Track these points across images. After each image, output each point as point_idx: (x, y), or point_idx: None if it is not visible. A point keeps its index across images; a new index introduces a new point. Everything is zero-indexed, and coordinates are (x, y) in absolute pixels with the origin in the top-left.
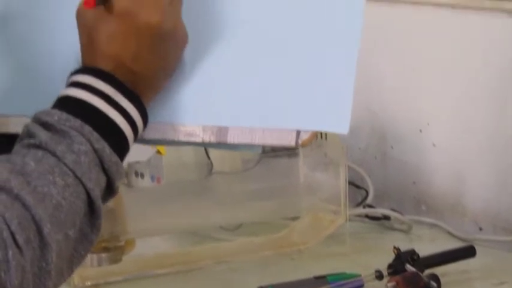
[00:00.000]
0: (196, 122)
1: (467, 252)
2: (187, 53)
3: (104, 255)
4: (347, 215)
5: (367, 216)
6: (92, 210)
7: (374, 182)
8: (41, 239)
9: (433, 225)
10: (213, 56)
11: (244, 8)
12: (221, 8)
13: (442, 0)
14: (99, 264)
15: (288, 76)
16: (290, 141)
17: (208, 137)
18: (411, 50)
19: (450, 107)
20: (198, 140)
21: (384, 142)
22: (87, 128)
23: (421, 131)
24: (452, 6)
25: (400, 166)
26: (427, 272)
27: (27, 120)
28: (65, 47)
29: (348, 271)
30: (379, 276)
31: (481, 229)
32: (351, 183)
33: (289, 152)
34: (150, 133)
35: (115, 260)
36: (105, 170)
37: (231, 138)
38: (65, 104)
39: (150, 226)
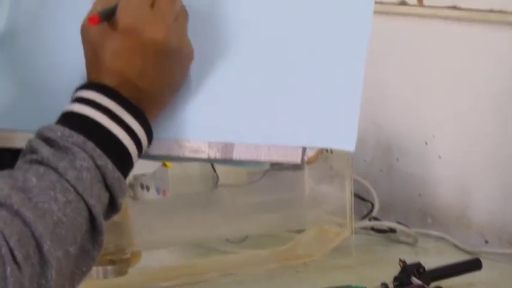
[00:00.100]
0: (201, 138)
1: (473, 265)
2: (193, 69)
3: (109, 267)
4: (353, 228)
5: (372, 228)
6: (93, 227)
7: (380, 195)
8: (41, 256)
9: (438, 238)
10: (218, 72)
11: (249, 24)
12: (227, 24)
13: (447, 14)
14: (105, 276)
15: (293, 93)
16: (296, 158)
17: (214, 154)
18: (417, 62)
19: (455, 120)
20: (204, 156)
21: (390, 154)
22: (90, 144)
23: (426, 143)
24: (458, 19)
25: (406, 178)
26: (433, 284)
27: (33, 136)
28: (71, 62)
29: (354, 284)
30: None
31: (486, 242)
32: (357, 196)
33: (295, 164)
34: (156, 149)
35: (121, 273)
36: (107, 187)
37: (237, 155)
38: (69, 119)
39: (156, 238)
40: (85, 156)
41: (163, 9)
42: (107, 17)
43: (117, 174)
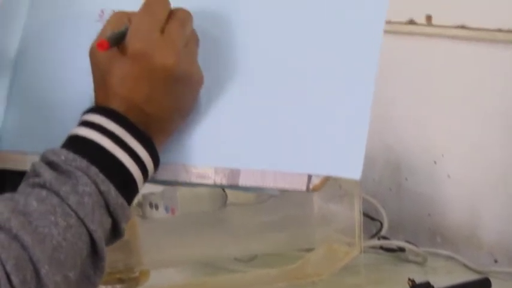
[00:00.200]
0: (208, 163)
1: (483, 284)
2: (202, 93)
3: (118, 286)
4: (362, 247)
5: (381, 247)
6: (94, 252)
7: (389, 214)
8: (38, 281)
9: (448, 257)
10: (226, 97)
11: (258, 49)
12: (236, 49)
13: (456, 33)
14: None
15: (301, 120)
16: (301, 185)
17: (220, 180)
18: (425, 81)
19: (464, 139)
20: (210, 182)
21: (399, 173)
22: (93, 169)
23: (435, 162)
24: (466, 39)
25: (415, 198)
26: None
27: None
28: (82, 85)
29: None
30: None
31: (496, 261)
32: (366, 215)
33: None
34: (162, 174)
35: None
36: (110, 212)
37: (243, 181)
38: (74, 143)
39: (165, 257)
40: (88, 181)
41: (173, 34)
42: (116, 41)
43: (120, 200)
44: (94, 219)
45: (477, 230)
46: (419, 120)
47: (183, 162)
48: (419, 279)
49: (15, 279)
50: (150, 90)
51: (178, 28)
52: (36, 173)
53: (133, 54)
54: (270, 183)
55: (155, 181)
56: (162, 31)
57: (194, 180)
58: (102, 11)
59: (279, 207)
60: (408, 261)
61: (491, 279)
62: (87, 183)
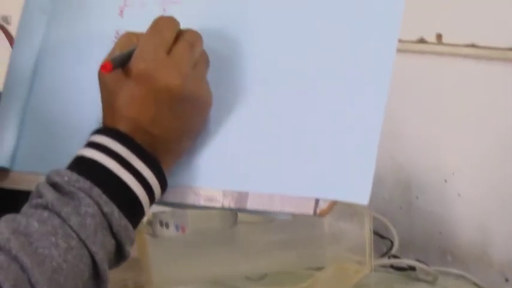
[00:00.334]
0: (216, 186)
1: None
2: (211, 115)
3: None
4: (372, 266)
5: (392, 266)
6: (97, 274)
7: (399, 232)
8: None
9: (459, 276)
10: (233, 121)
11: (266, 72)
12: (243, 73)
13: (466, 52)
14: None
15: (310, 144)
16: (308, 209)
17: (228, 203)
18: (436, 100)
19: (475, 157)
20: (218, 205)
21: (409, 192)
22: (96, 190)
23: (446, 181)
24: (477, 57)
25: (425, 216)
26: None
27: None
28: (96, 107)
29: None
30: None
31: (507, 280)
32: (376, 233)
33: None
34: (170, 196)
35: None
36: (113, 234)
37: (251, 205)
38: (79, 164)
39: (175, 276)
40: (90, 202)
41: (180, 55)
42: (121, 63)
43: (124, 221)
44: (96, 241)
45: (488, 248)
46: (430, 139)
47: (192, 184)
48: None
49: None
50: (156, 111)
51: (185, 49)
52: (39, 194)
53: (138, 75)
54: (277, 207)
55: (163, 203)
56: (169, 52)
57: (202, 203)
58: (117, 32)
59: (290, 226)
60: (419, 280)
61: None
62: (89, 204)
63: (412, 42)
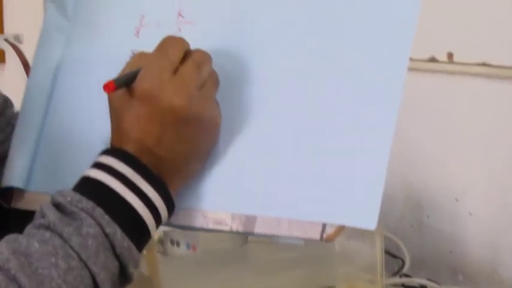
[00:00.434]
0: (225, 209)
1: None
2: (220, 136)
3: None
4: (383, 285)
5: (403, 285)
6: None
7: (410, 251)
8: None
9: None
10: (242, 143)
11: (275, 96)
12: (253, 94)
13: (478, 70)
14: None
15: (318, 168)
16: (315, 234)
17: (236, 226)
18: (447, 118)
19: (486, 176)
20: (227, 228)
21: (420, 211)
22: (99, 211)
23: (457, 199)
24: (488, 76)
25: (437, 235)
26: None
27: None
28: (105, 128)
29: None
30: None
31: None
32: (387, 252)
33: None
34: (179, 219)
35: None
36: (116, 255)
37: (258, 229)
38: (84, 185)
39: None
40: (92, 223)
41: (186, 76)
42: (126, 82)
43: (127, 242)
44: (98, 262)
45: (498, 267)
46: (441, 158)
47: (200, 207)
48: None
49: None
50: (161, 132)
51: (192, 69)
52: (42, 214)
53: (142, 95)
54: (285, 231)
55: (171, 225)
56: (175, 72)
57: (211, 226)
58: (133, 52)
59: (300, 245)
60: None
61: None
62: (91, 225)
63: (423, 61)
